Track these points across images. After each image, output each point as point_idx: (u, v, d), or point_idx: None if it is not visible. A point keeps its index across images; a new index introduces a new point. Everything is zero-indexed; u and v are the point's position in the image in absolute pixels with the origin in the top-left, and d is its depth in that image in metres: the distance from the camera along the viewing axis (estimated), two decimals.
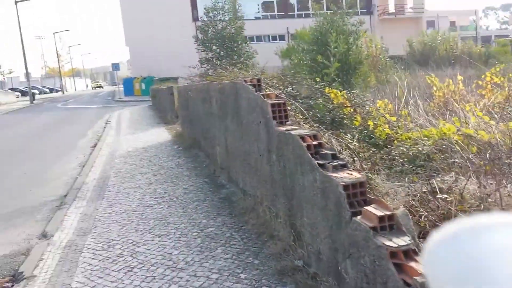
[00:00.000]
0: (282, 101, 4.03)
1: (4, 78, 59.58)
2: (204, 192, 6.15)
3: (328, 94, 4.74)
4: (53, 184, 7.64)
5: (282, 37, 42.46)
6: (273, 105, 3.96)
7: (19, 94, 56.58)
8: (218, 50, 9.09)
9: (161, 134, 12.52)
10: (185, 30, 41.22)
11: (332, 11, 8.05)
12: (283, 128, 3.76)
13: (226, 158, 6.38)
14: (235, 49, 8.94)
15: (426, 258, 0.42)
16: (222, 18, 8.99)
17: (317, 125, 4.36)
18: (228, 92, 5.60)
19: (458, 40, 34.18)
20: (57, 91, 70.51)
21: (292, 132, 3.52)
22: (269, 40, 42.66)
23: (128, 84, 40.03)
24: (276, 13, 43.80)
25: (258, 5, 43.71)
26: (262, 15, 43.30)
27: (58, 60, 69.82)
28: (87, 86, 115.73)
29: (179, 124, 13.57)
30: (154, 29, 43.31)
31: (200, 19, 41.16)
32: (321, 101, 4.70)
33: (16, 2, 36.62)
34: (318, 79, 5.46)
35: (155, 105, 21.73)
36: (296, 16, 43.72)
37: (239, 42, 9.09)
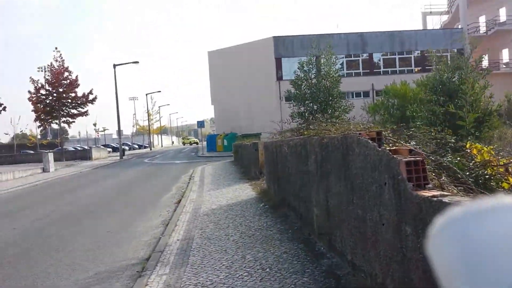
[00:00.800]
0: (420, 158, 3.12)
1: (98, 135, 64.40)
2: (301, 261, 5.23)
3: (468, 150, 3.75)
4: (135, 244, 7.17)
5: (366, 94, 41.58)
6: (408, 163, 3.06)
7: (111, 150, 60.68)
8: (311, 104, 8.53)
9: (245, 191, 11.91)
10: (269, 89, 42.05)
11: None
12: (426, 194, 2.83)
13: (326, 222, 5.46)
14: (330, 102, 8.33)
15: (432, 241, 0.42)
16: (316, 73, 8.59)
17: (460, 187, 3.36)
18: (334, 147, 4.79)
19: None
20: (145, 147, 74.68)
21: (445, 199, 2.58)
22: (353, 97, 41.90)
23: (212, 140, 41.00)
24: (361, 70, 43.22)
25: (341, 63, 43.53)
26: (347, 73, 42.90)
27: (149, 119, 74.49)
28: (172, 142, 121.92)
29: (265, 180, 12.93)
30: (239, 88, 44.73)
31: (284, 79, 42.01)
32: (459, 158, 3.72)
33: (114, 66, 39.91)
34: (448, 132, 4.50)
35: (238, 160, 21.52)
36: (381, 73, 42.79)
37: (335, 95, 8.50)
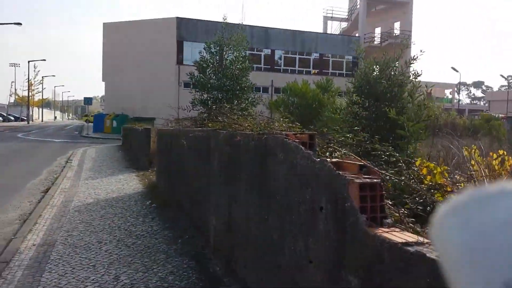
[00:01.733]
0: (377, 180, 2.24)
1: None
2: None
3: (415, 168, 3.03)
4: None
5: (266, 89, 41.65)
6: (362, 186, 2.16)
7: None
8: (216, 92, 7.40)
9: (130, 183, 10.45)
10: (168, 72, 39.90)
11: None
12: (392, 237, 1.94)
13: (226, 237, 4.46)
14: (237, 92, 7.30)
15: (435, 229, 0.42)
16: (226, 56, 7.40)
17: (411, 219, 2.57)
18: (248, 148, 3.79)
19: (441, 110, 34.07)
20: (22, 120, 67.01)
21: (429, 254, 1.70)
22: (253, 91, 41.72)
23: (99, 120, 37.78)
24: (262, 65, 43.18)
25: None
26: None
27: (29, 89, 66.89)
28: (55, 117, 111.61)
29: (154, 173, 11.57)
30: (134, 68, 41.80)
31: (184, 63, 40.14)
32: (403, 178, 2.96)
33: None
34: (377, 141, 3.77)
35: (126, 146, 19.62)
36: (281, 71, 43.26)
37: (243, 85, 7.46)
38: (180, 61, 40.02)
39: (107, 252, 5.13)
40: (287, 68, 43.75)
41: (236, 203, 4.13)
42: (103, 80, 45.49)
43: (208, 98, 7.80)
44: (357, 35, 49.73)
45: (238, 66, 7.55)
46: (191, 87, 8.15)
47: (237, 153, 4.10)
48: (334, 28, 54.41)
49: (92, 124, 38.42)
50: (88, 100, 35.72)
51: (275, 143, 3.18)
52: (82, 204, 7.98)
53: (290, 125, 4.11)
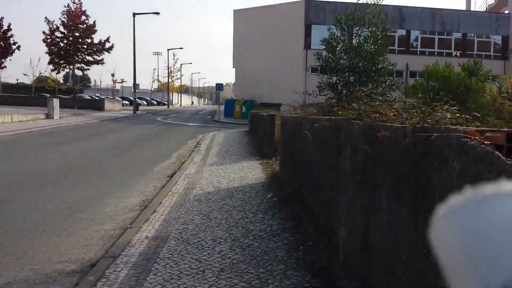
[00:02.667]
0: None
1: (115, 86, 62.94)
2: None
3: None
4: (90, 234, 5.34)
5: (399, 73, 38.68)
6: None
7: (128, 103, 59.21)
8: (347, 74, 6.35)
9: (253, 171, 9.99)
10: (295, 58, 39.43)
11: None
12: None
13: (360, 256, 3.50)
14: (372, 74, 6.14)
15: (434, 230, 0.41)
16: (359, 33, 6.21)
17: None
18: (395, 146, 2.76)
19: None
20: (163, 104, 73.17)
21: None
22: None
23: (229, 105, 38.99)
24: (396, 47, 40.06)
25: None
26: None
27: (168, 76, 72.61)
28: (192, 102, 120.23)
29: (278, 162, 10.97)
30: (263, 54, 42.19)
31: (312, 48, 39.22)
32: None
33: (134, 14, 37.75)
34: None
35: (252, 131, 19.55)
36: (418, 53, 39.68)
37: (379, 65, 6.20)
38: (307, 46, 39.17)
39: (220, 254, 4.55)
40: (424, 50, 39.93)
41: (376, 216, 3.14)
42: (233, 67, 46.96)
43: (338, 82, 6.78)
44: (506, 12, 43.30)
45: (373, 45, 6.38)
46: (319, 70, 7.19)
47: (378, 152, 3.09)
48: (479, 5, 48.15)
49: (223, 109, 39.86)
50: (219, 86, 37.04)
51: (444, 144, 2.11)
52: (203, 192, 7.68)
53: (458, 115, 2.96)
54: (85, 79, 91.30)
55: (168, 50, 66.77)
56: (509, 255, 0.36)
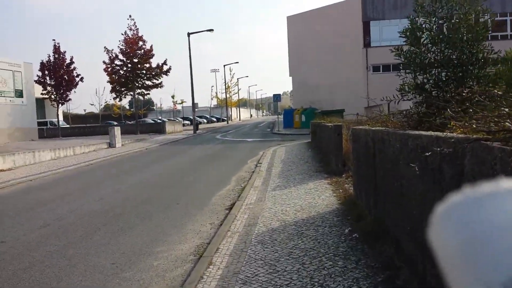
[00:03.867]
0: None
1: (176, 107, 64.06)
2: None
3: None
4: None
5: None
6: None
7: (189, 122, 59.97)
8: (436, 69, 4.84)
9: (322, 195, 8.63)
10: (354, 58, 37.49)
11: None
12: None
13: None
14: (471, 67, 4.60)
15: (433, 229, 0.41)
16: (447, 16, 4.70)
17: None
18: None
19: None
20: (223, 120, 73.56)
21: None
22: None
23: (288, 115, 37.75)
24: (508, 32, 36.55)
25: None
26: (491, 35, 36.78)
27: (226, 92, 72.99)
28: (251, 115, 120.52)
29: (349, 180, 9.52)
30: (319, 58, 40.62)
31: (372, 46, 37.04)
32: None
33: (188, 34, 37.84)
34: None
35: (315, 143, 18.14)
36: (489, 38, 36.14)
37: (479, 57, 4.63)
38: (367, 44, 37.11)
39: None
40: (496, 34, 36.31)
41: None
42: (290, 75, 45.81)
43: (425, 80, 5.28)
44: None
45: (469, 31, 4.83)
46: (400, 67, 5.72)
47: None
48: None
49: (282, 119, 38.69)
50: (276, 97, 35.95)
51: None
52: (266, 229, 6.46)
53: None
54: (148, 103, 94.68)
55: (224, 66, 67.17)
56: (508, 253, 0.35)
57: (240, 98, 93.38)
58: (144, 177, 12.91)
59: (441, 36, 5.15)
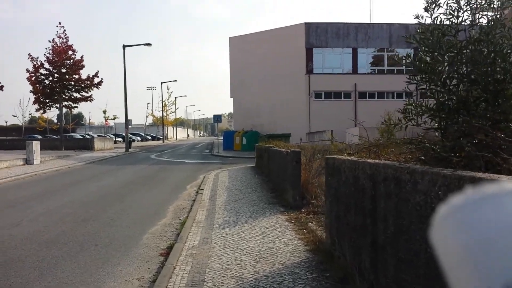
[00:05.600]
0: None
1: (107, 123, 60.22)
2: None
3: None
4: None
5: (410, 95, 36.12)
6: None
7: (121, 139, 56.46)
8: (465, 83, 3.65)
9: (284, 237, 6.98)
10: (297, 84, 36.91)
11: None
12: None
13: None
14: (498, 83, 3.49)
15: (435, 230, 0.41)
16: (472, 16, 3.69)
17: None
18: None
19: None
20: (159, 139, 70.42)
21: None
22: (393, 97, 36.47)
23: (228, 137, 36.14)
24: (404, 68, 37.63)
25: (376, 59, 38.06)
26: (387, 69, 37.44)
27: (163, 110, 70.18)
28: (188, 135, 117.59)
29: (313, 218, 8.00)
30: (262, 81, 39.67)
31: (314, 73, 36.75)
32: None
33: (124, 47, 35.35)
34: None
35: (262, 169, 16.61)
36: None
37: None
38: (310, 70, 36.75)
39: None
40: None
41: None
42: (231, 97, 44.44)
43: (446, 100, 3.84)
44: None
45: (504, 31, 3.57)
46: (410, 80, 4.25)
47: None
48: None
49: (222, 141, 36.97)
50: (217, 118, 34.24)
51: None
52: None
53: None
54: (77, 117, 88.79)
55: (161, 83, 64.49)
56: (510, 254, 0.35)
57: (177, 117, 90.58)
58: (57, 205, 10.52)
59: (473, 39, 3.77)
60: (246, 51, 40.74)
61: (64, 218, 9.04)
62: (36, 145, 22.91)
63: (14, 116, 71.01)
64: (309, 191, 9.47)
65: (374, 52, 37.36)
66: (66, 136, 51.58)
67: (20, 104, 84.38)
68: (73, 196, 11.92)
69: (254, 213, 8.93)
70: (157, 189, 13.45)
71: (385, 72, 37.12)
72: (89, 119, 51.85)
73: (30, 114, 69.88)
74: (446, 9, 3.93)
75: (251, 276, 5.15)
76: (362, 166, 4.44)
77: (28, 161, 22.28)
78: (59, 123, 62.52)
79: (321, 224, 7.39)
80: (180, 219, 8.81)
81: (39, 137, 57.19)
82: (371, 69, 37.65)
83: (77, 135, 58.43)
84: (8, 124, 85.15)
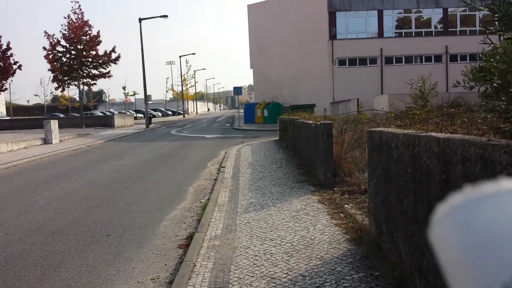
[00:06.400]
0: None
1: (127, 99, 59.85)
2: None
3: None
4: None
5: (438, 58, 34.18)
6: None
7: (142, 115, 56.15)
8: None
9: (317, 221, 6.13)
10: (319, 51, 35.37)
11: None
12: None
13: None
14: None
15: (434, 230, 0.41)
16: None
17: None
18: None
19: None
20: (179, 113, 69.97)
21: None
22: (421, 61, 34.64)
23: (249, 110, 35.14)
24: (432, 29, 35.54)
25: (405, 19, 35.95)
26: (415, 31, 35.41)
27: (182, 84, 69.37)
28: (208, 109, 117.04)
29: (349, 198, 7.09)
30: (282, 50, 38.22)
31: (338, 38, 35.05)
32: None
33: (140, 20, 34.35)
34: None
35: (286, 142, 15.69)
36: (458, 33, 35.11)
37: None
38: (333, 36, 35.05)
39: None
40: (465, 28, 35.26)
41: None
42: (251, 67, 43.16)
43: None
44: None
45: None
46: (496, 26, 3.20)
47: None
48: None
49: (242, 114, 36.05)
50: (237, 90, 33.20)
51: None
52: None
53: None
54: (98, 95, 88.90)
55: (180, 57, 63.78)
56: (509, 254, 0.35)
57: (197, 91, 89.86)
58: (72, 188, 9.90)
59: None
60: (265, 19, 39.19)
61: (77, 203, 8.39)
62: (54, 124, 22.47)
63: (36, 95, 71.21)
64: (342, 168, 8.54)
65: (401, 13, 35.32)
66: (87, 114, 51.58)
67: (41, 83, 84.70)
68: (89, 178, 11.29)
69: (281, 194, 8.08)
70: (177, 167, 12.73)
71: (413, 35, 35.14)
72: (108, 96, 51.30)
73: (51, 93, 69.95)
74: None
75: (284, 275, 4.32)
76: (425, 141, 3.47)
77: (46, 141, 21.89)
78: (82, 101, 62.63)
79: (360, 207, 6.49)
80: (201, 202, 8.05)
81: (61, 115, 57.44)
82: (397, 32, 35.73)
83: (98, 113, 58.40)
84: (31, 103, 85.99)
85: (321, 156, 8.61)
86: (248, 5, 41.77)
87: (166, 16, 34.65)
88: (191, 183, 9.99)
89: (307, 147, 10.50)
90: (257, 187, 8.81)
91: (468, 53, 33.73)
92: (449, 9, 34.65)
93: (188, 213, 7.35)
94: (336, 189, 7.93)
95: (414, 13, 35.11)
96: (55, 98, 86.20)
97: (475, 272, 0.37)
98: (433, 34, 34.95)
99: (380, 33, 35.22)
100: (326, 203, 7.11)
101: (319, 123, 8.99)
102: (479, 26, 35.22)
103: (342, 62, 35.22)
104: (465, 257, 0.37)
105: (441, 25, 34.92)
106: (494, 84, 3.35)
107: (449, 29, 34.74)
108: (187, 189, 9.35)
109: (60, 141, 22.84)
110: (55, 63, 35.21)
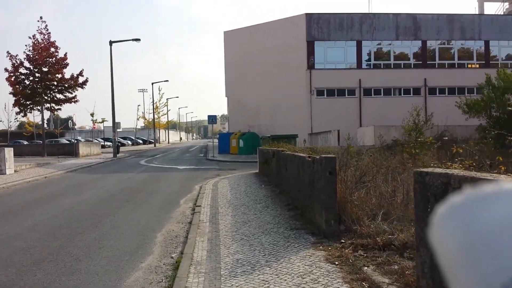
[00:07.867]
0: None
1: (95, 127, 57.25)
2: None
3: None
4: None
5: (417, 91, 33.73)
6: None
7: (110, 144, 53.63)
8: None
9: None
10: (298, 80, 34.40)
11: None
12: None
13: None
14: None
15: (434, 230, 0.41)
16: None
17: None
18: None
19: None
20: (150, 142, 67.57)
21: None
22: (400, 94, 34.13)
23: (224, 140, 33.52)
24: (411, 61, 35.25)
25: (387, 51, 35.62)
26: (394, 63, 35.06)
27: (154, 112, 67.31)
28: (181, 139, 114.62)
29: (365, 256, 5.49)
30: (259, 79, 37.08)
31: (316, 68, 34.27)
32: None
33: (110, 43, 32.67)
34: None
35: (268, 176, 14.11)
36: (436, 66, 34.92)
37: None
38: (311, 66, 34.21)
39: None
40: (443, 62, 35.16)
41: None
42: (226, 95, 41.84)
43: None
44: None
45: None
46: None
47: None
48: (495, 10, 44.00)
49: (216, 144, 34.38)
50: (211, 118, 31.62)
51: None
52: None
53: None
54: (67, 121, 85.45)
55: (152, 84, 61.50)
56: (509, 253, 0.35)
57: (169, 120, 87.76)
58: (10, 235, 7.92)
59: None
60: (242, 46, 38.19)
61: (11, 257, 6.46)
62: (9, 152, 20.20)
63: (0, 121, 67.51)
64: (347, 212, 6.97)
65: (380, 45, 35.01)
66: (52, 141, 48.81)
67: (5, 107, 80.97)
68: (35, 220, 9.31)
69: (274, 246, 6.41)
70: (144, 205, 10.88)
71: (392, 66, 34.76)
72: (73, 124, 48.24)
73: (16, 119, 66.56)
74: None
75: None
76: None
77: (0, 171, 19.57)
78: (49, 128, 59.46)
79: (386, 271, 4.89)
80: (172, 257, 6.29)
81: (25, 142, 54.28)
82: (375, 64, 35.31)
83: (64, 140, 55.58)
84: None
85: (321, 198, 7.02)
86: (224, 32, 40.77)
87: (139, 39, 33.10)
88: (159, 228, 8.20)
89: (298, 185, 8.92)
90: (243, 236, 7.11)
91: (446, 86, 33.47)
92: (428, 42, 34.54)
93: (154, 275, 5.57)
94: (343, 240, 6.33)
95: (393, 45, 34.85)
96: (21, 125, 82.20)
97: (474, 271, 0.36)
98: (412, 66, 34.66)
99: (359, 64, 34.69)
100: (337, 263, 5.47)
101: (317, 157, 7.45)
102: (458, 59, 35.20)
103: (320, 93, 34.35)
104: (465, 256, 0.37)
105: (420, 57, 34.69)
106: None
107: (428, 62, 34.53)
108: (155, 237, 7.56)
109: (15, 171, 20.53)
110: (17, 86, 32.91)
